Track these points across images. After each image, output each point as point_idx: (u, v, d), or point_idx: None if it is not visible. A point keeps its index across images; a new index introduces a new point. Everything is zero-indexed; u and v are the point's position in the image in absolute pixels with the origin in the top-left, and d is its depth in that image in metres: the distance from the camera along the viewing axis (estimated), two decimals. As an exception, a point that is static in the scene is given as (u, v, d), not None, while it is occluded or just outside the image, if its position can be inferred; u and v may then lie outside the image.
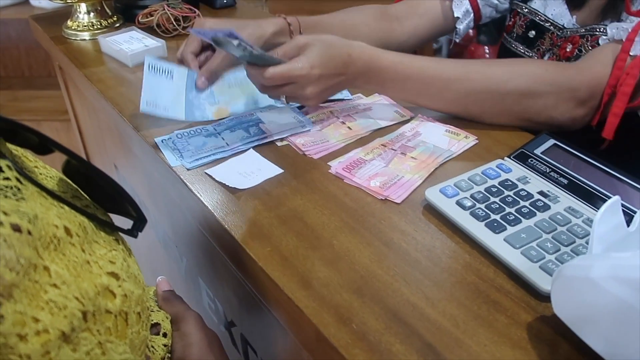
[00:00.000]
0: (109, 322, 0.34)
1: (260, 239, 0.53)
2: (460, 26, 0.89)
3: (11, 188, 0.32)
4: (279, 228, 0.54)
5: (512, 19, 0.89)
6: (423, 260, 0.51)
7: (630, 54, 0.66)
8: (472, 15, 0.89)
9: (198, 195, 0.59)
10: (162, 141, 0.68)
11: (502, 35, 0.92)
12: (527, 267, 0.48)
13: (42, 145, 0.37)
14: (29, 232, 0.30)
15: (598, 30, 0.73)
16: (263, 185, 0.61)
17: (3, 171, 0.33)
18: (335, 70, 0.67)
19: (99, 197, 0.42)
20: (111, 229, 0.41)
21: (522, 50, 0.87)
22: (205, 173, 0.62)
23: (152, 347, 0.45)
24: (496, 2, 0.88)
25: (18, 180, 0.33)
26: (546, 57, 0.83)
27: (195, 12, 1.03)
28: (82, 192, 0.42)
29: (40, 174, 0.40)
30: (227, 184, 0.60)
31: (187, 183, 0.61)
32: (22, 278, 0.28)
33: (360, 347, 0.42)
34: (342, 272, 0.49)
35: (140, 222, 0.43)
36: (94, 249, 0.36)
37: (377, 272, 0.49)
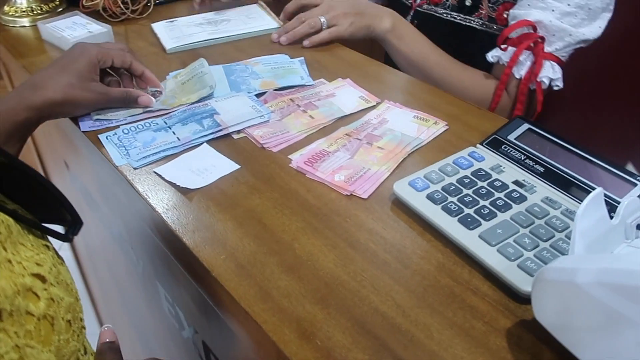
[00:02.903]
0: (29, 325, 0.30)
1: (214, 245, 0.48)
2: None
3: None
4: (235, 232, 0.49)
5: None
6: (393, 262, 0.46)
7: None
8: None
9: (145, 196, 0.54)
10: (106, 137, 0.62)
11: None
12: (505, 267, 0.44)
13: None
14: None
15: None
16: (218, 183, 0.56)
17: None
18: None
19: (29, 202, 0.37)
20: (40, 230, 0.36)
21: (459, 19, 0.88)
22: (154, 172, 0.57)
23: None
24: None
25: None
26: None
27: (145, -6, 0.95)
28: (8, 199, 0.37)
29: None
30: (178, 183, 0.54)
31: (134, 183, 0.56)
32: None
33: (325, 366, 0.38)
34: (304, 279, 0.45)
35: (75, 224, 0.38)
36: (19, 250, 0.32)
37: (343, 278, 0.45)
